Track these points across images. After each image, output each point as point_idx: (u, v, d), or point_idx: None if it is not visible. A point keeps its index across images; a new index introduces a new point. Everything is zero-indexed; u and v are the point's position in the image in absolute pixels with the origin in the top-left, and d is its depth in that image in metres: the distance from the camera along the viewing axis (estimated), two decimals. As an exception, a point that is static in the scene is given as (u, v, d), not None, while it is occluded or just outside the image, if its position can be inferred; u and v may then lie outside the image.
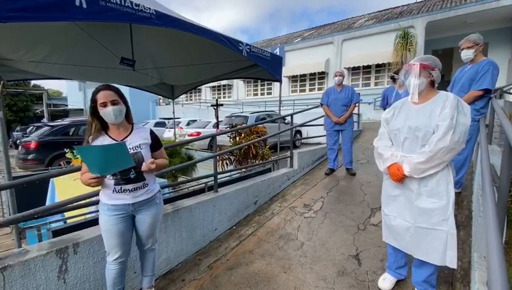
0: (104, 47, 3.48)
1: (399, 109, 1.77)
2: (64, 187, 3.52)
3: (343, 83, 4.29)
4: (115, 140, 1.60)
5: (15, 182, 1.99)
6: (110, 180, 1.58)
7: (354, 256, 2.36)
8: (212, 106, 8.51)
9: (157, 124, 14.40)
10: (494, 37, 10.95)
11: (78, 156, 3.85)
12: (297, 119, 6.17)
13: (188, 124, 12.72)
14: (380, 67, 13.21)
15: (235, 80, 19.12)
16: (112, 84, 1.62)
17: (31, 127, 11.12)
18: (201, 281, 2.18)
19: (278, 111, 5.45)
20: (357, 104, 4.51)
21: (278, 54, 4.10)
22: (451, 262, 1.54)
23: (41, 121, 11.89)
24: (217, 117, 7.86)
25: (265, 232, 2.89)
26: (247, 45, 3.12)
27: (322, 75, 15.24)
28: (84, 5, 1.70)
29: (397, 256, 1.91)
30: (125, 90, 1.69)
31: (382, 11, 16.68)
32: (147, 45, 3.78)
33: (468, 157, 2.88)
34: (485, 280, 1.50)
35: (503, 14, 10.25)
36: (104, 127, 1.61)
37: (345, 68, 13.56)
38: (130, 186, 1.61)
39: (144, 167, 1.59)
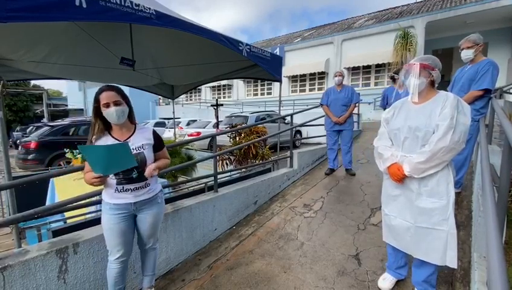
0: (104, 47, 3.48)
1: (399, 109, 1.77)
2: (64, 187, 3.52)
3: (343, 83, 4.29)
4: (118, 140, 1.61)
5: (15, 182, 1.99)
6: (112, 180, 1.59)
7: (354, 256, 2.36)
8: (212, 106, 8.50)
9: (157, 124, 14.40)
10: (494, 37, 10.95)
11: (78, 156, 3.87)
12: (297, 119, 6.17)
13: (188, 124, 12.71)
14: (379, 67, 13.21)
15: (235, 80, 19.12)
16: (115, 85, 1.63)
17: (31, 127, 11.12)
18: (201, 281, 2.19)
19: (278, 111, 5.45)
20: (357, 104, 4.50)
21: (278, 54, 4.10)
22: (452, 262, 1.54)
23: (41, 121, 11.88)
24: (217, 117, 7.86)
25: (265, 232, 2.89)
26: (247, 45, 3.12)
27: (322, 75, 15.24)
28: (84, 5, 1.70)
29: (397, 256, 1.91)
30: (125, 90, 1.69)
31: (382, 11, 16.68)
32: (147, 45, 3.78)
33: (468, 157, 2.88)
34: (485, 280, 1.50)
35: (503, 14, 10.26)
36: (107, 128, 1.62)
37: (344, 68, 13.56)
38: (132, 186, 1.62)
39: (147, 174, 1.61)
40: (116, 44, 3.49)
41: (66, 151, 4.15)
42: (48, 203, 3.70)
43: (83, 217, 2.54)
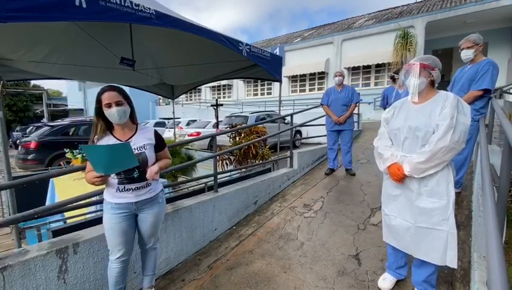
0: (104, 47, 3.48)
1: (399, 109, 1.77)
2: (64, 187, 3.52)
3: (344, 83, 4.29)
4: (120, 140, 1.62)
5: (15, 182, 1.99)
6: (114, 179, 1.61)
7: (354, 256, 2.36)
8: (212, 106, 8.50)
9: (157, 124, 14.40)
10: (493, 37, 10.95)
11: (78, 156, 3.87)
12: (297, 119, 6.17)
13: (187, 124, 12.72)
14: (379, 67, 13.21)
15: (235, 80, 19.12)
16: (117, 85, 1.64)
17: (31, 127, 11.12)
18: (201, 281, 2.19)
19: (277, 111, 5.45)
20: (357, 104, 4.51)
21: (277, 54, 4.10)
22: (452, 262, 1.54)
23: (41, 121, 11.88)
24: (216, 117, 7.86)
25: (265, 232, 2.89)
26: (247, 44, 3.12)
27: (321, 75, 15.24)
28: (84, 5, 1.70)
29: (397, 256, 1.91)
30: (125, 90, 1.69)
31: (382, 11, 16.68)
32: (147, 45, 3.78)
33: (468, 157, 2.88)
34: (485, 280, 1.50)
35: (503, 14, 10.26)
36: (109, 128, 1.64)
37: (344, 68, 13.56)
38: (133, 186, 1.63)
39: (149, 176, 1.63)
40: (116, 44, 3.49)
41: (66, 151, 4.14)
42: (47, 203, 3.71)
43: (82, 217, 2.55)
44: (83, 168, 2.12)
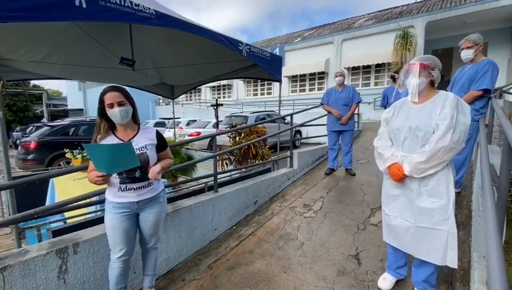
0: (103, 47, 3.48)
1: (399, 109, 1.77)
2: (64, 187, 3.53)
3: (344, 82, 4.29)
4: (122, 140, 1.63)
5: (15, 182, 1.99)
6: (115, 179, 1.62)
7: (353, 256, 2.36)
8: (212, 106, 8.51)
9: (157, 124, 14.39)
10: (493, 37, 10.95)
11: (78, 156, 3.87)
12: (297, 119, 6.17)
13: (187, 124, 12.72)
14: (379, 67, 13.22)
15: (235, 80, 19.12)
16: (120, 86, 1.65)
17: (31, 127, 11.12)
18: (201, 281, 2.19)
19: (277, 111, 5.45)
20: (358, 104, 4.50)
21: (277, 54, 4.10)
22: (452, 262, 1.54)
23: (41, 121, 11.89)
24: (216, 117, 7.86)
25: (265, 232, 2.89)
26: (247, 44, 3.12)
27: (321, 75, 15.25)
28: (84, 5, 1.70)
29: (397, 256, 1.91)
30: (128, 90, 1.70)
31: (382, 11, 16.69)
32: (147, 45, 3.78)
33: (467, 157, 2.88)
34: (485, 280, 1.50)
35: (503, 14, 10.26)
36: (111, 128, 1.65)
37: (344, 68, 13.56)
38: (134, 185, 1.65)
39: (151, 176, 1.64)
40: (116, 44, 3.49)
41: (66, 151, 4.15)
42: (47, 203, 3.71)
43: (82, 217, 2.55)
44: (82, 168, 2.13)
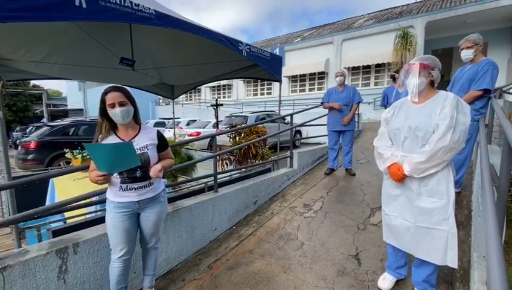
0: (103, 47, 3.48)
1: (399, 109, 1.77)
2: (64, 187, 3.53)
3: (345, 82, 4.29)
4: (123, 140, 1.64)
5: (15, 182, 1.99)
6: (116, 179, 1.63)
7: (353, 256, 2.36)
8: (211, 105, 8.51)
9: (156, 124, 14.39)
10: (493, 37, 10.96)
11: (78, 156, 3.87)
12: (297, 119, 6.17)
13: (187, 124, 12.72)
14: (379, 67, 13.22)
15: (234, 80, 19.12)
16: (121, 86, 1.66)
17: (31, 127, 11.12)
18: (201, 281, 2.19)
19: (277, 111, 5.45)
20: (359, 104, 4.50)
21: (277, 54, 4.10)
22: (452, 262, 1.54)
23: (41, 121, 11.88)
24: (216, 117, 7.86)
25: (265, 232, 2.89)
26: (247, 44, 3.12)
27: (321, 75, 15.25)
28: (84, 5, 1.70)
29: (397, 256, 1.91)
30: (129, 91, 1.71)
31: (382, 11, 16.69)
32: (147, 45, 3.78)
33: (467, 156, 2.88)
34: (485, 280, 1.50)
35: (503, 14, 10.27)
36: (113, 128, 1.66)
37: (344, 68, 13.57)
38: (135, 185, 1.65)
39: (152, 174, 1.65)
40: (116, 44, 3.49)
41: (66, 151, 4.15)
42: (47, 203, 3.71)
43: (82, 217, 2.55)
44: (82, 168, 2.13)
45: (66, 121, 8.52)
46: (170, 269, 2.39)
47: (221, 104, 8.64)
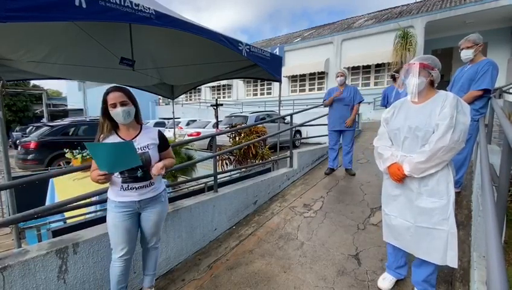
0: (103, 47, 3.48)
1: (398, 109, 1.77)
2: (64, 187, 3.53)
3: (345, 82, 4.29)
4: (125, 140, 1.65)
5: (15, 182, 1.99)
6: (117, 178, 1.63)
7: (353, 256, 2.36)
8: (211, 105, 8.51)
9: (156, 124, 14.38)
10: (493, 37, 10.96)
11: (78, 156, 3.87)
12: (297, 119, 6.17)
13: (187, 124, 12.72)
14: (379, 67, 13.22)
15: (234, 80, 19.12)
16: (123, 86, 1.67)
17: (31, 127, 11.12)
18: (201, 281, 2.19)
19: (277, 111, 5.45)
20: (359, 104, 4.49)
21: (277, 54, 4.10)
22: (452, 262, 1.54)
23: (41, 121, 11.88)
24: (216, 117, 7.86)
25: (265, 232, 2.89)
26: (246, 44, 3.12)
27: (321, 75, 15.25)
28: (84, 5, 1.70)
29: (397, 256, 1.92)
30: (130, 91, 1.71)
31: (382, 11, 16.69)
32: (147, 45, 3.78)
33: (467, 156, 2.88)
34: (485, 279, 1.50)
35: (503, 14, 10.27)
36: (114, 127, 1.67)
37: (344, 68, 13.57)
38: (136, 185, 1.66)
39: (154, 171, 1.65)
40: (115, 44, 3.49)
41: (66, 151, 4.15)
42: (47, 203, 3.71)
43: (82, 217, 2.55)
44: (82, 168, 2.13)
45: (66, 121, 8.52)
46: (170, 269, 2.39)
47: (221, 104, 8.64)
